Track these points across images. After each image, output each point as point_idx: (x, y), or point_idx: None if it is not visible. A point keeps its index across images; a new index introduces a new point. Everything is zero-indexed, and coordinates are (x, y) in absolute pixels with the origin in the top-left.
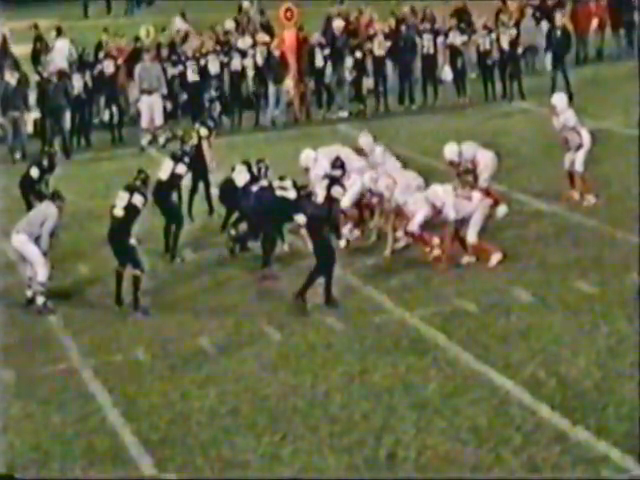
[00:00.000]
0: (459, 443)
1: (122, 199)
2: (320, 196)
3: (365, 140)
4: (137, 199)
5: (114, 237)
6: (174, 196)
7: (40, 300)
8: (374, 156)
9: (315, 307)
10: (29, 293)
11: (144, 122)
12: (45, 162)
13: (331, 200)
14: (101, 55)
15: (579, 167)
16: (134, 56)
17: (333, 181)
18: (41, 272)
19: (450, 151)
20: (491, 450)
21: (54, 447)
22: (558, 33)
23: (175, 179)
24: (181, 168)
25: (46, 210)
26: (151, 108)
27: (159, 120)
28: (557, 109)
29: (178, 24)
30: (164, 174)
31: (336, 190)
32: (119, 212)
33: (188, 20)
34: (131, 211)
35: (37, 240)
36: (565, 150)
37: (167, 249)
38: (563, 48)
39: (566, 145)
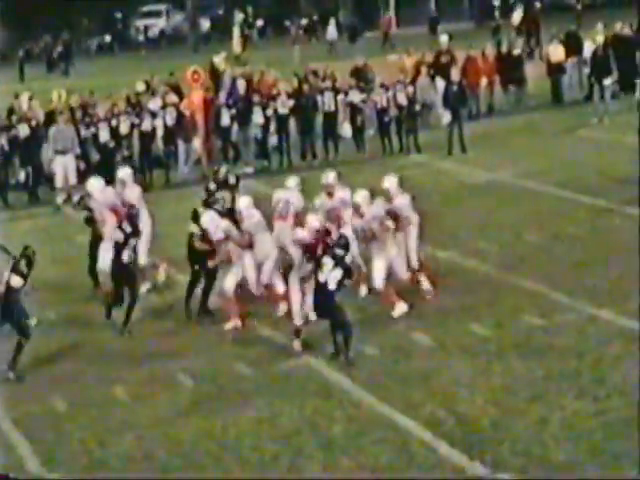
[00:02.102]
0: None
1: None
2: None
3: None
4: (15, 280)
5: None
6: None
7: None
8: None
9: (225, 354)
10: None
11: (59, 182)
12: None
13: None
14: (14, 119)
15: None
16: (48, 119)
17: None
18: None
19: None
20: None
21: None
22: (454, 88)
23: None
24: None
25: None
26: (65, 168)
27: (73, 179)
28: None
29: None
30: None
31: None
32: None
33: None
34: (9, 290)
35: None
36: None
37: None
38: (460, 103)
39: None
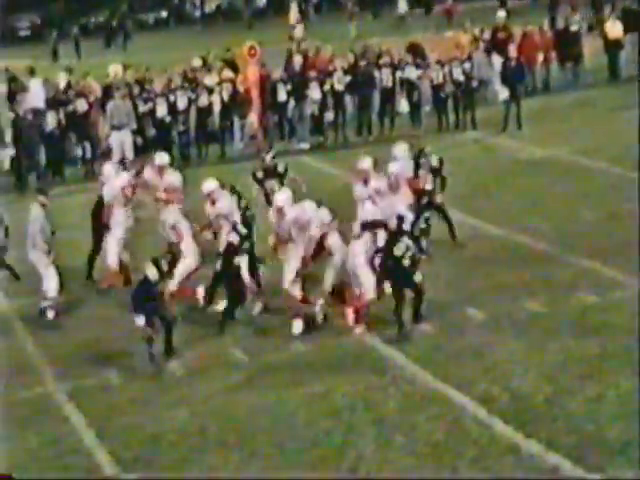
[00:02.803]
0: (417, 457)
1: None
2: None
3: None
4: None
5: None
6: None
7: (50, 314)
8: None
9: (278, 329)
10: (43, 304)
11: (115, 156)
12: None
13: None
14: (71, 94)
15: None
16: (105, 94)
17: None
18: (51, 286)
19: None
20: (448, 463)
21: (31, 468)
22: (512, 65)
23: None
24: None
25: (33, 212)
26: (122, 143)
27: (130, 154)
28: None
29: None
30: None
31: None
32: None
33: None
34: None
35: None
36: None
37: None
38: (518, 79)
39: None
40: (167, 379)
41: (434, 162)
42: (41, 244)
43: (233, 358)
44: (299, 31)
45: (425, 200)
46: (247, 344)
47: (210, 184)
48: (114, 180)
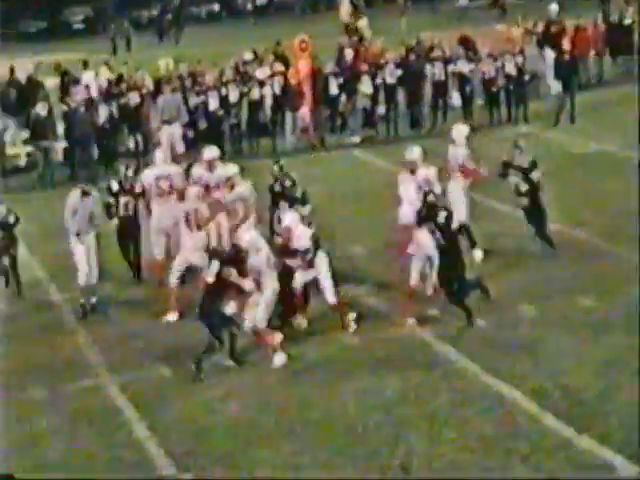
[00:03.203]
0: (468, 452)
1: None
2: None
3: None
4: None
5: None
6: None
7: (92, 300)
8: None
9: (331, 323)
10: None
11: (164, 150)
12: None
13: None
14: (123, 87)
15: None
16: (157, 88)
17: None
18: (79, 273)
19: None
20: (499, 458)
21: (83, 459)
22: (565, 58)
23: None
24: None
25: (69, 199)
26: (171, 137)
27: (180, 148)
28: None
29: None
30: None
31: None
32: None
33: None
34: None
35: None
36: None
37: None
38: (571, 73)
39: None
40: (218, 372)
41: (525, 162)
42: (72, 230)
43: (284, 350)
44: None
45: None
46: (299, 338)
47: (233, 168)
48: (156, 169)
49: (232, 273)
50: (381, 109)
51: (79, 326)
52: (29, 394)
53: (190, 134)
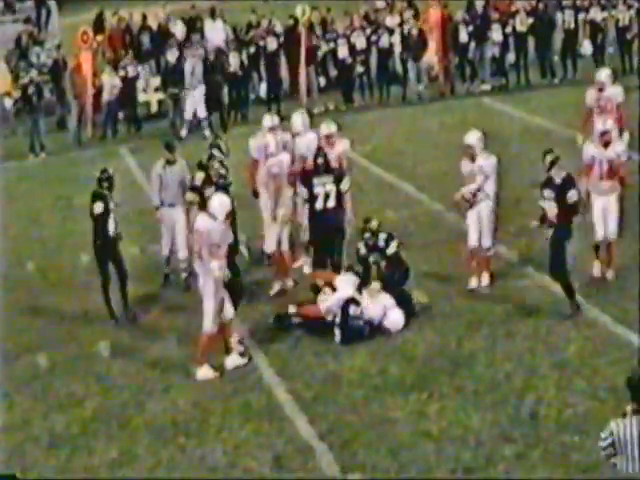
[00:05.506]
0: (598, 402)
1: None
2: None
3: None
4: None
5: None
6: None
7: (183, 275)
8: None
9: (458, 273)
10: (166, 270)
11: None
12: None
13: None
14: (257, 34)
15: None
16: (287, 36)
17: None
18: (162, 244)
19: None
20: None
21: (213, 404)
22: None
23: None
24: None
25: (154, 169)
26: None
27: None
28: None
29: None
30: None
31: None
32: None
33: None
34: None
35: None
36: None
37: None
38: None
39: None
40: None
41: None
42: (155, 202)
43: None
44: None
45: None
46: (429, 287)
47: (331, 127)
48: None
49: None
50: (511, 57)
51: None
52: None
53: (322, 81)
